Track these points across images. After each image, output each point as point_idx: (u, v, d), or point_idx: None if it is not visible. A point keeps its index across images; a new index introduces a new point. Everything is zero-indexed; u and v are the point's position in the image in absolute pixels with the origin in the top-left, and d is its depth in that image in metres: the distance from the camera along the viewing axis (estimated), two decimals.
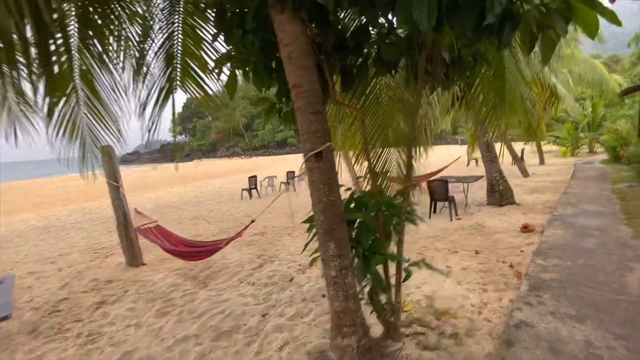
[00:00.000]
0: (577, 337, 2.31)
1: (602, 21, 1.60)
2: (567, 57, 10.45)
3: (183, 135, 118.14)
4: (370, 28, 2.44)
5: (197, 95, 3.62)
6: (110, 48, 3.35)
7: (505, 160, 13.17)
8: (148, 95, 3.23)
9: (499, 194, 7.48)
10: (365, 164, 3.62)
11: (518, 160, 11.95)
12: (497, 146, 10.94)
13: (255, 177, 12.81)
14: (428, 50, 2.16)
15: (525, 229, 5.37)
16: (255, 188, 12.61)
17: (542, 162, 15.75)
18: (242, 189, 12.56)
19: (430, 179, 7.29)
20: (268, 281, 4.13)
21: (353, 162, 3.84)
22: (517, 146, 16.85)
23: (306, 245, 2.44)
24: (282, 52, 2.10)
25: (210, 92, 3.63)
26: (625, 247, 4.09)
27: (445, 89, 2.70)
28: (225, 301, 3.66)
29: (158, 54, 3.34)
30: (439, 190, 6.78)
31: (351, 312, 2.18)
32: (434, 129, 5.47)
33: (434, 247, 5.03)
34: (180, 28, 3.33)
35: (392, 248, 2.54)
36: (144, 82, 3.24)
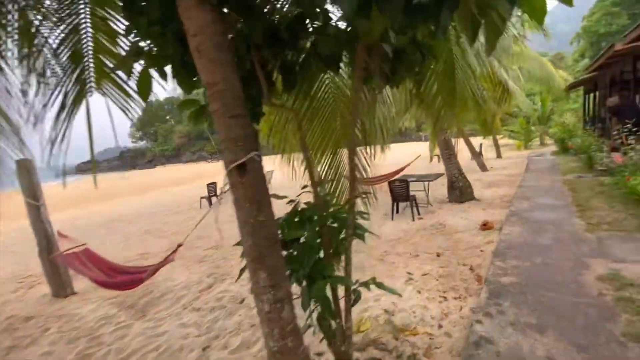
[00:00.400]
0: (539, 353, 2.14)
1: (547, 20, 1.40)
2: (516, 54, 10.85)
3: (144, 141, 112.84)
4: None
5: (118, 99, 3.14)
6: (3, 47, 2.81)
7: (464, 156, 13.53)
8: (48, 101, 2.71)
9: (459, 190, 7.50)
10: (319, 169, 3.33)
11: (476, 155, 12.27)
12: (459, 142, 11.11)
13: (214, 183, 12.12)
14: (364, 41, 1.88)
15: (485, 226, 5.34)
16: (215, 195, 11.95)
17: (499, 155, 16.39)
18: (201, 197, 11.87)
19: (392, 179, 7.15)
20: (216, 304, 3.70)
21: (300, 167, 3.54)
22: (476, 141, 17.46)
23: (241, 272, 2.08)
24: (190, 44, 1.73)
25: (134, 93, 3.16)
26: (579, 241, 4.10)
27: (393, 85, 2.46)
28: (163, 334, 3.19)
29: (61, 51, 2.83)
30: (400, 191, 6.65)
31: (290, 351, 1.85)
32: (390, 127, 5.24)
33: (395, 251, 4.84)
34: (88, 19, 2.83)
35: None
36: (38, 85, 2.72)
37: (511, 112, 21.62)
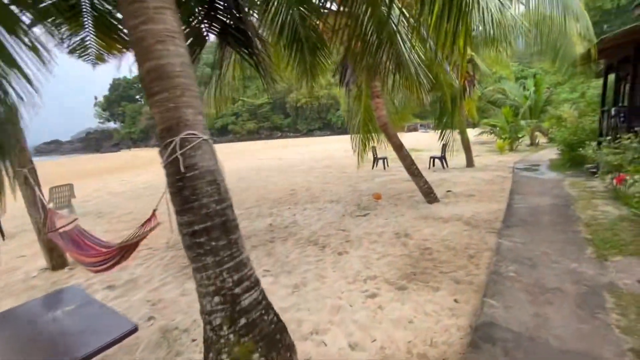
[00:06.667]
0: None
1: None
2: None
3: (111, 122, 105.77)
4: None
5: None
6: None
7: (425, 159, 7.97)
8: None
9: None
10: None
11: (416, 174, 6.54)
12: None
13: None
14: None
15: None
16: None
17: (470, 163, 10.86)
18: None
19: None
20: None
21: None
22: (424, 138, 11.62)
23: None
24: None
25: None
26: None
27: None
28: None
29: None
30: None
31: None
32: None
33: None
34: None
35: None
36: None
37: (495, 99, 16.10)
